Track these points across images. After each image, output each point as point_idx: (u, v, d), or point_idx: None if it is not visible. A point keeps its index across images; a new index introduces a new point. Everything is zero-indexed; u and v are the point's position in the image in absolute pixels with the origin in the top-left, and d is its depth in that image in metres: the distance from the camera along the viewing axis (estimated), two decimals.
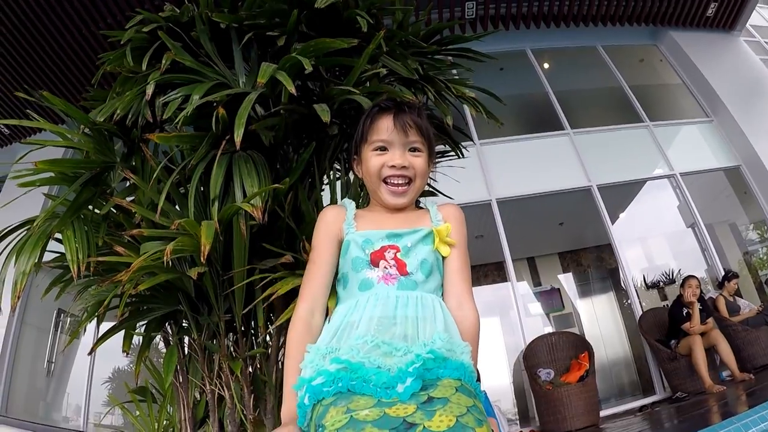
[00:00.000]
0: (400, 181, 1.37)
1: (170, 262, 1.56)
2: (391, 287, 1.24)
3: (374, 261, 1.28)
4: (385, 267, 1.27)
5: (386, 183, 1.38)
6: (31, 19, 5.97)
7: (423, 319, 1.18)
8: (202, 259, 1.43)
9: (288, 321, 1.82)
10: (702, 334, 5.33)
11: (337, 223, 1.39)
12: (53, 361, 7.16)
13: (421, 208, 1.48)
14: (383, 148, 1.37)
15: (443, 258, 1.35)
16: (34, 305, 6.68)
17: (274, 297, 1.64)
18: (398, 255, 1.29)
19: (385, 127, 1.36)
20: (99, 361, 6.40)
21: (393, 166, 1.36)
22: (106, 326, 2.05)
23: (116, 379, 6.72)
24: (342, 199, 2.10)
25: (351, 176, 2.29)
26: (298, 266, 1.72)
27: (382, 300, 1.21)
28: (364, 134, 1.41)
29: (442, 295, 1.32)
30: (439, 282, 1.32)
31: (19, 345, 6.68)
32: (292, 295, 1.64)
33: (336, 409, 1.01)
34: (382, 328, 1.14)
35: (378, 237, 1.32)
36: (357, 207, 1.46)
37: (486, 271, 9.38)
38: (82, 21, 6.13)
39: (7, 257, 1.83)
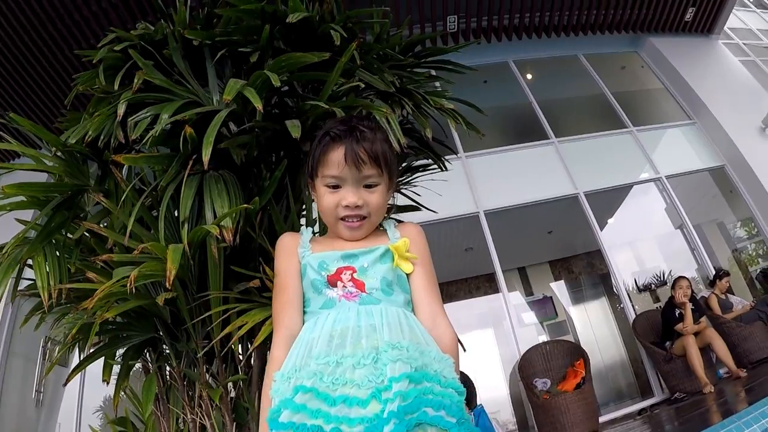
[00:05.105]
0: (355, 220, 1.31)
1: (142, 288, 1.50)
2: (353, 303, 1.20)
3: (332, 283, 1.23)
4: (343, 287, 1.22)
5: (342, 220, 1.31)
6: (13, 39, 5.87)
7: (388, 325, 1.13)
8: (168, 284, 1.37)
9: (266, 341, 1.78)
10: (696, 334, 5.33)
11: (294, 247, 1.34)
12: (42, 390, 7.02)
13: (379, 228, 1.41)
14: (336, 186, 1.29)
15: (407, 276, 1.29)
16: (20, 334, 6.54)
17: (243, 330, 1.59)
18: (355, 275, 1.24)
19: (336, 162, 1.26)
20: (88, 390, 6.29)
21: (347, 206, 1.29)
22: None
23: (107, 407, 6.60)
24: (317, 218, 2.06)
25: None
26: (266, 289, 1.67)
27: (343, 314, 1.16)
28: (315, 167, 1.32)
29: (412, 312, 1.26)
30: (404, 299, 1.26)
31: (7, 376, 6.54)
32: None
33: None
34: (344, 341, 1.09)
35: (333, 258, 1.27)
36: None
37: (477, 283, 9.37)
38: (64, 42, 6.04)
39: None
